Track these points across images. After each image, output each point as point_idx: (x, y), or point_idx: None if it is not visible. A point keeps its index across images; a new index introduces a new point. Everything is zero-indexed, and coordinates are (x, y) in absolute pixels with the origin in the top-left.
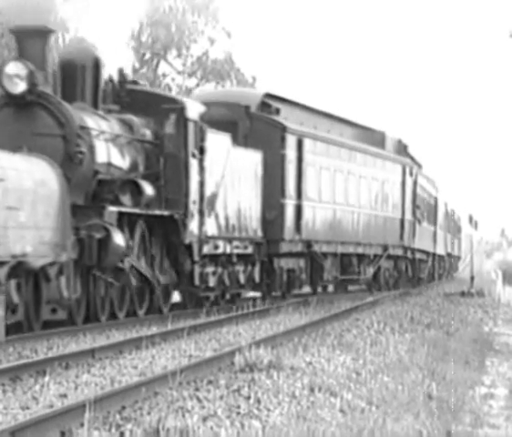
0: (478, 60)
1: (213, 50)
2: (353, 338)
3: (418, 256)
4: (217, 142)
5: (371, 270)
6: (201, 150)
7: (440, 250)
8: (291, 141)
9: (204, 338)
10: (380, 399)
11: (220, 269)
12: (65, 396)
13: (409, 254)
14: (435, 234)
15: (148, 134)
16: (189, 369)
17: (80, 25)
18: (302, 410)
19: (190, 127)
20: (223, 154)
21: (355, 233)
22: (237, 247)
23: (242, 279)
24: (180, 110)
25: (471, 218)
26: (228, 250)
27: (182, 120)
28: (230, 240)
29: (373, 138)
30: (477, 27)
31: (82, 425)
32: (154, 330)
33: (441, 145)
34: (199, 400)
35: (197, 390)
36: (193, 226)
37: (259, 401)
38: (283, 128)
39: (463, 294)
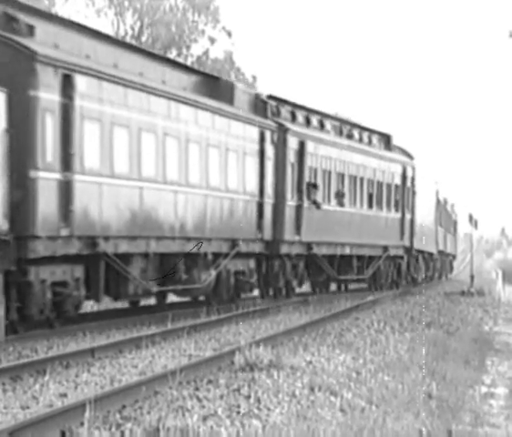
0: (479, 59)
1: (213, 49)
2: (353, 337)
3: (327, 251)
4: None
5: (211, 275)
6: None
7: (427, 247)
8: (47, 77)
9: (204, 337)
10: (380, 398)
11: None
12: (65, 395)
13: (288, 249)
14: (402, 223)
15: None
16: (189, 368)
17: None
18: (303, 409)
19: None
20: None
21: (181, 224)
22: None
23: None
24: None
25: (471, 217)
26: None
27: None
28: None
29: (217, 90)
30: (477, 27)
31: (82, 424)
32: (154, 329)
33: (442, 145)
34: (199, 399)
35: (197, 389)
36: None
37: (259, 401)
38: (32, 55)
39: (463, 293)
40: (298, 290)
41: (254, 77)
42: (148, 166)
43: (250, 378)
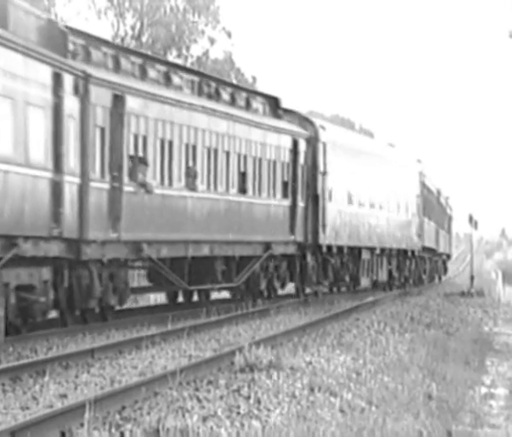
0: (479, 59)
1: (213, 50)
2: (352, 338)
3: (170, 253)
4: None
5: None
6: None
7: (397, 243)
8: None
9: (204, 338)
10: (380, 399)
11: None
12: (64, 396)
13: (98, 252)
14: (293, 212)
15: None
16: (188, 369)
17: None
18: (302, 409)
19: None
20: None
21: None
22: None
23: None
24: None
25: (471, 218)
26: None
27: None
28: None
29: None
30: (477, 27)
31: (82, 425)
32: (154, 330)
33: (441, 144)
34: (198, 400)
35: (197, 390)
36: None
37: (259, 401)
38: None
39: (463, 294)
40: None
41: (254, 78)
42: None
43: (250, 378)
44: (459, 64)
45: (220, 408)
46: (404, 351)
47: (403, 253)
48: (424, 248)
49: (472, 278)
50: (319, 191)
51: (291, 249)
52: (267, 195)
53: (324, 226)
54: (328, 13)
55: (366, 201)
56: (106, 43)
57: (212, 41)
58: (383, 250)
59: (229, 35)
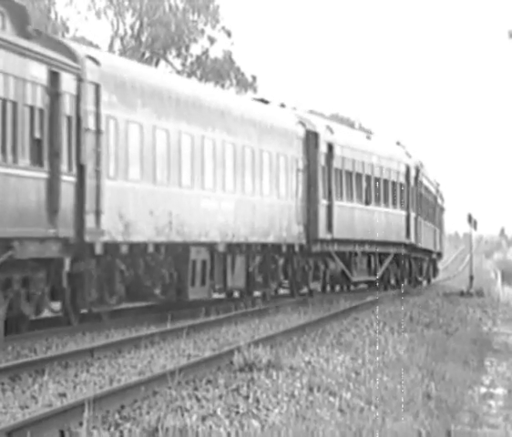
0: (479, 59)
1: (213, 49)
2: (352, 337)
3: None
4: None
5: None
6: None
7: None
8: None
9: (203, 337)
10: (379, 398)
11: None
12: (64, 395)
13: None
14: (51, 188)
15: None
16: (188, 368)
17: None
18: (301, 409)
19: None
20: None
21: None
22: None
23: None
24: None
25: (470, 218)
26: None
27: None
28: None
29: None
30: (477, 27)
31: (81, 424)
32: (153, 329)
33: (441, 144)
34: (198, 399)
35: (196, 389)
36: None
37: (258, 401)
38: None
39: (462, 294)
40: None
41: (254, 77)
42: None
43: (249, 378)
44: (459, 62)
45: (219, 407)
46: (404, 351)
47: (278, 249)
48: (340, 241)
49: (471, 277)
50: (85, 160)
51: (53, 250)
52: (2, 159)
53: (98, 213)
54: (328, 12)
55: (194, 178)
56: None
57: (212, 40)
58: (234, 246)
59: (228, 34)
